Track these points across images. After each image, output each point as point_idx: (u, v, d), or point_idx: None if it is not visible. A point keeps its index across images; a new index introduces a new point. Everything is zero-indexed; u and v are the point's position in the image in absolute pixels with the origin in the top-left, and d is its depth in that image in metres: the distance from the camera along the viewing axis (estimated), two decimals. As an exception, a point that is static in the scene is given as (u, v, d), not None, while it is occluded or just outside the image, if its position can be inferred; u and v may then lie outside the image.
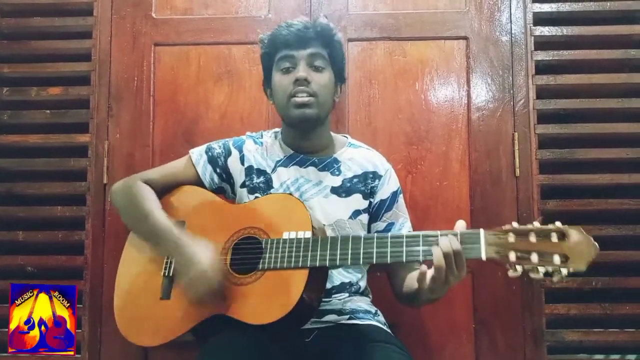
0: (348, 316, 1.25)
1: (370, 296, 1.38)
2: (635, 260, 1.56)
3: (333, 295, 1.26)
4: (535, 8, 1.65)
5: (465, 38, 1.65)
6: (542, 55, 1.63)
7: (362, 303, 1.30)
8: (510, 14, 1.65)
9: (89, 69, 1.69)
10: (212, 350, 1.10)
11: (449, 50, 1.65)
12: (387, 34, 1.66)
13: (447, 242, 1.01)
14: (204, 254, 1.14)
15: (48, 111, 1.69)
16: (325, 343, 1.18)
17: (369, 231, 1.33)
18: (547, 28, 1.64)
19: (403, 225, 1.34)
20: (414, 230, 1.37)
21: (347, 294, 1.28)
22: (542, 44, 1.64)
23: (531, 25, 1.64)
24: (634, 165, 1.61)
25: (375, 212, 1.33)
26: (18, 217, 1.67)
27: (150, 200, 1.26)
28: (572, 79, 1.63)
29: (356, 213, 1.30)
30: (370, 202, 1.32)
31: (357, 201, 1.31)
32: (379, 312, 1.33)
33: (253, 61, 1.65)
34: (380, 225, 1.33)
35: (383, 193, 1.33)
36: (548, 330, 1.54)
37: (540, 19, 1.66)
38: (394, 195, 1.34)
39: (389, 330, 1.28)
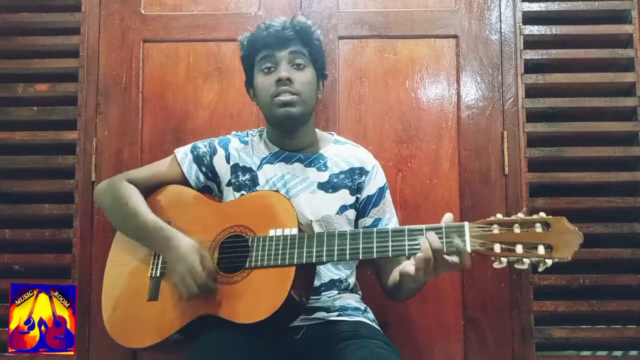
0: (337, 313, 1.25)
1: (360, 293, 1.38)
2: (622, 257, 1.57)
3: (322, 293, 1.26)
4: (524, 7, 1.66)
5: (455, 36, 1.65)
6: (531, 54, 1.64)
7: (352, 300, 1.30)
8: (500, 13, 1.66)
9: (76, 65, 1.67)
10: (202, 349, 1.10)
11: (439, 49, 1.66)
12: (378, 32, 1.66)
13: (434, 235, 1.01)
14: (193, 249, 1.14)
15: (35, 108, 1.67)
16: (315, 340, 1.19)
17: (355, 227, 1.34)
18: (536, 27, 1.65)
19: (390, 220, 1.34)
20: (402, 227, 1.37)
21: (336, 291, 1.28)
22: (531, 43, 1.65)
23: (520, 24, 1.65)
24: (621, 164, 1.62)
25: (362, 208, 1.33)
26: (5, 215, 1.65)
27: (136, 199, 1.26)
28: (561, 77, 1.64)
29: (343, 208, 1.30)
30: (357, 198, 1.33)
31: (344, 197, 1.31)
32: (368, 309, 1.33)
33: (243, 58, 1.64)
34: (367, 220, 1.33)
35: (370, 189, 1.33)
36: (536, 327, 1.54)
37: (530, 18, 1.66)
38: (381, 190, 1.35)
39: (378, 327, 1.28)
